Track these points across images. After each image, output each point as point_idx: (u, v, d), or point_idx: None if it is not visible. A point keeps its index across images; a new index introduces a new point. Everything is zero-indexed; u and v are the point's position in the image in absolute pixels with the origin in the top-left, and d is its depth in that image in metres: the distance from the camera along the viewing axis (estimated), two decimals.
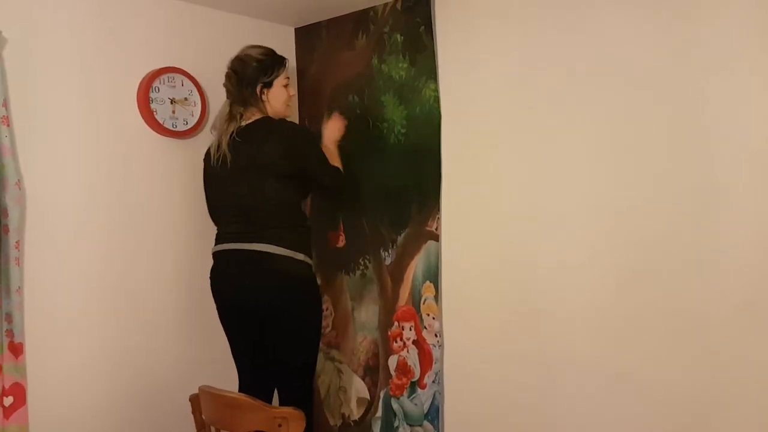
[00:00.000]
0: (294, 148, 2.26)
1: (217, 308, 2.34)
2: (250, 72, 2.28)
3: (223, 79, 2.48)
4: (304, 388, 2.31)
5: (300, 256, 2.24)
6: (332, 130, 2.53)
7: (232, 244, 2.26)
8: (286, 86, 2.36)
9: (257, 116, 2.30)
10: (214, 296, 2.34)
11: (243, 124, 2.28)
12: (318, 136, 2.52)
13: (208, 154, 2.38)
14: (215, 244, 2.33)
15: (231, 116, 2.30)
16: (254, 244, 2.20)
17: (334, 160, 2.43)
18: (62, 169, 2.29)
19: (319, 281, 2.92)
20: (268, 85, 2.31)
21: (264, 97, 2.31)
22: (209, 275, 2.36)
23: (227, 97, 2.35)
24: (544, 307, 2.17)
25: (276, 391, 2.37)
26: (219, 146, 2.27)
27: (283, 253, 2.20)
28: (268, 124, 2.29)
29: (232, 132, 2.26)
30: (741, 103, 1.78)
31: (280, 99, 2.35)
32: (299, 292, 2.25)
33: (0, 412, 2.13)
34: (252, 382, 2.33)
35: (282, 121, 2.33)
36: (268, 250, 2.19)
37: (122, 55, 2.43)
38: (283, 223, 2.25)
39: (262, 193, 2.23)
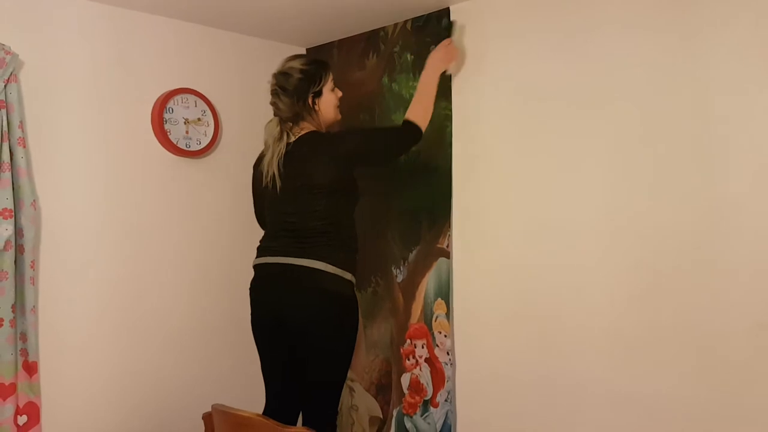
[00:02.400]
0: (342, 151, 2.19)
1: (253, 320, 2.28)
2: (298, 84, 2.22)
3: (235, 99, 2.50)
4: (331, 407, 2.26)
5: (348, 276, 2.18)
6: (439, 59, 2.34)
7: (279, 257, 2.19)
8: (333, 90, 2.30)
9: (306, 129, 2.25)
10: (252, 308, 2.27)
11: (292, 140, 2.23)
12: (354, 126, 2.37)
13: (258, 164, 2.33)
14: (258, 256, 2.27)
15: (281, 134, 2.24)
16: (303, 259, 2.15)
17: (430, 94, 2.30)
18: (77, 189, 2.32)
19: None
20: (318, 94, 2.25)
21: (316, 107, 2.25)
22: (249, 287, 2.28)
23: (275, 115, 2.27)
24: (556, 325, 2.16)
25: (301, 411, 2.32)
26: (269, 169, 2.22)
27: (333, 271, 2.14)
28: (311, 139, 2.23)
29: (281, 152, 2.21)
30: (752, 120, 1.77)
31: (330, 105, 2.28)
32: (343, 311, 2.19)
33: (14, 430, 2.14)
34: (280, 398, 2.28)
35: (323, 133, 2.27)
36: (318, 267, 2.13)
37: (137, 77, 2.47)
38: (334, 241, 2.18)
39: (314, 212, 2.18)
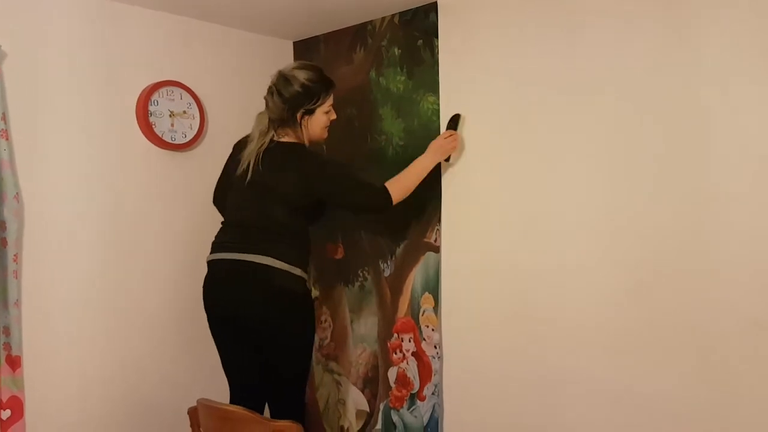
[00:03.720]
0: (312, 183, 2.19)
1: (208, 319, 2.29)
2: (294, 95, 2.20)
3: (221, 92, 2.48)
4: (295, 401, 2.29)
5: (297, 271, 2.20)
6: (441, 149, 2.31)
7: (228, 254, 2.21)
8: (327, 112, 2.28)
9: (290, 138, 2.25)
10: (205, 307, 2.28)
11: (275, 141, 2.24)
12: (339, 162, 2.37)
13: (240, 147, 2.32)
14: (211, 252, 2.28)
15: (268, 129, 2.24)
16: (251, 255, 2.17)
17: (417, 177, 2.28)
18: (61, 182, 2.30)
19: (317, 293, 2.93)
20: (310, 112, 2.23)
21: (303, 122, 2.23)
22: (202, 284, 2.30)
23: (266, 109, 2.27)
24: (544, 320, 2.16)
25: (267, 404, 2.35)
26: (248, 158, 2.22)
27: (280, 267, 2.16)
28: (293, 152, 2.23)
29: (262, 146, 2.22)
30: (742, 112, 1.77)
31: (319, 125, 2.27)
32: (292, 306, 2.21)
33: None
34: (243, 394, 2.30)
35: (306, 153, 2.25)
36: (265, 263, 2.15)
37: (121, 69, 2.44)
38: (283, 239, 2.21)
39: (270, 215, 2.20)
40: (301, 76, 2.21)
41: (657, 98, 1.92)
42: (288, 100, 2.20)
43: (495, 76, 2.29)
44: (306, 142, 2.29)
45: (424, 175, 2.30)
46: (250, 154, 2.23)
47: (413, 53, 2.54)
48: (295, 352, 2.25)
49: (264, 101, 2.28)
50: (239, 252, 2.19)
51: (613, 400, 2.01)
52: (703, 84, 1.84)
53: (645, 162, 1.95)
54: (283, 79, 2.22)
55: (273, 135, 2.25)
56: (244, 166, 2.23)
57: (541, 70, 2.17)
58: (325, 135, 2.34)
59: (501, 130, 2.28)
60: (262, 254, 2.16)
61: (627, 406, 1.98)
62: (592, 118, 2.06)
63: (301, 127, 2.24)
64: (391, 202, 2.23)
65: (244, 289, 2.19)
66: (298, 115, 2.22)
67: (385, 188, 2.23)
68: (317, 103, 2.23)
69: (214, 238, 2.30)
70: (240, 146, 2.35)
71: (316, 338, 2.94)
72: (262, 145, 2.23)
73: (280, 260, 2.16)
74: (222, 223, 2.34)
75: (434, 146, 2.32)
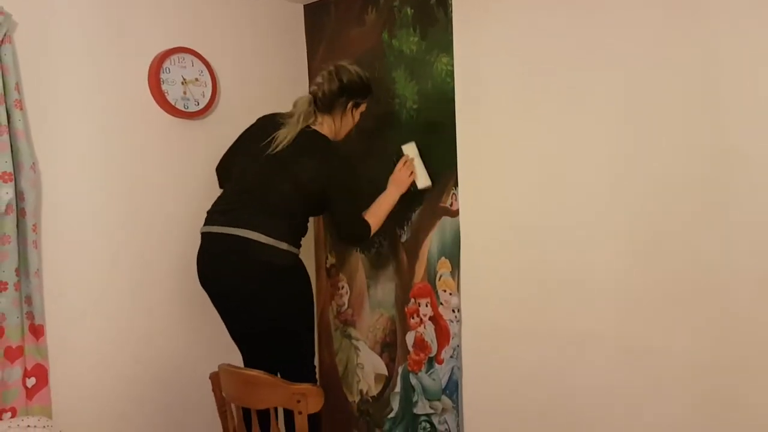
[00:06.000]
0: (326, 177, 2.28)
1: (206, 292, 2.34)
2: (352, 82, 2.33)
3: (232, 58, 2.46)
4: (302, 367, 2.34)
5: (283, 245, 2.21)
6: (401, 182, 2.47)
7: (218, 227, 2.25)
8: (362, 113, 2.43)
9: (323, 128, 2.36)
10: (199, 280, 2.32)
11: (311, 128, 2.33)
12: (354, 172, 2.46)
13: (263, 123, 2.40)
14: (204, 224, 2.32)
15: (307, 116, 2.33)
16: (238, 229, 2.19)
17: (387, 209, 2.45)
18: (76, 151, 2.30)
19: (334, 260, 2.94)
20: (358, 105, 2.39)
21: (352, 113, 2.38)
22: (196, 258, 2.33)
23: (311, 94, 2.36)
24: (563, 281, 2.15)
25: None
26: (283, 138, 2.28)
27: (265, 241, 2.18)
28: (324, 143, 2.33)
29: (300, 130, 2.30)
30: (756, 64, 1.73)
31: (355, 120, 2.42)
32: (280, 281, 2.23)
33: (23, 393, 2.16)
34: (251, 361, 2.35)
35: (336, 149, 2.36)
36: (250, 237, 2.18)
37: (132, 36, 2.42)
38: (277, 213, 2.23)
39: (275, 188, 2.24)
40: (359, 71, 2.37)
41: (674, 51, 1.87)
42: (346, 85, 2.32)
43: (511, 34, 2.23)
44: (336, 136, 2.39)
45: (392, 206, 2.46)
46: (284, 134, 2.29)
47: (426, 13, 2.49)
48: (287, 324, 2.29)
49: (315, 86, 2.36)
50: (226, 225, 2.23)
51: (631, 358, 2.00)
52: (719, 36, 1.79)
53: (658, 118, 1.91)
54: (343, 69, 2.35)
55: (312, 120, 2.34)
56: (276, 143, 2.27)
57: (556, 30, 2.11)
58: (345, 133, 2.45)
59: (517, 91, 2.24)
60: (248, 228, 2.19)
61: (644, 362, 1.98)
62: (608, 75, 2.01)
63: (350, 115, 2.38)
64: (370, 235, 2.40)
65: (231, 265, 2.23)
66: (351, 103, 2.35)
67: (368, 223, 2.39)
68: (367, 98, 2.40)
69: (210, 207, 2.34)
70: (267, 121, 2.39)
71: (334, 305, 2.95)
72: (301, 129, 2.30)
73: (266, 234, 2.19)
74: (224, 191, 2.38)
75: (394, 180, 2.46)
